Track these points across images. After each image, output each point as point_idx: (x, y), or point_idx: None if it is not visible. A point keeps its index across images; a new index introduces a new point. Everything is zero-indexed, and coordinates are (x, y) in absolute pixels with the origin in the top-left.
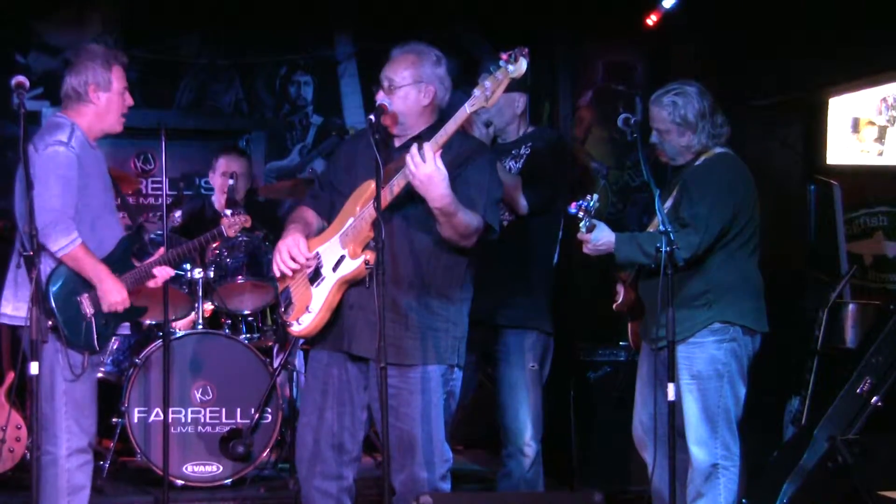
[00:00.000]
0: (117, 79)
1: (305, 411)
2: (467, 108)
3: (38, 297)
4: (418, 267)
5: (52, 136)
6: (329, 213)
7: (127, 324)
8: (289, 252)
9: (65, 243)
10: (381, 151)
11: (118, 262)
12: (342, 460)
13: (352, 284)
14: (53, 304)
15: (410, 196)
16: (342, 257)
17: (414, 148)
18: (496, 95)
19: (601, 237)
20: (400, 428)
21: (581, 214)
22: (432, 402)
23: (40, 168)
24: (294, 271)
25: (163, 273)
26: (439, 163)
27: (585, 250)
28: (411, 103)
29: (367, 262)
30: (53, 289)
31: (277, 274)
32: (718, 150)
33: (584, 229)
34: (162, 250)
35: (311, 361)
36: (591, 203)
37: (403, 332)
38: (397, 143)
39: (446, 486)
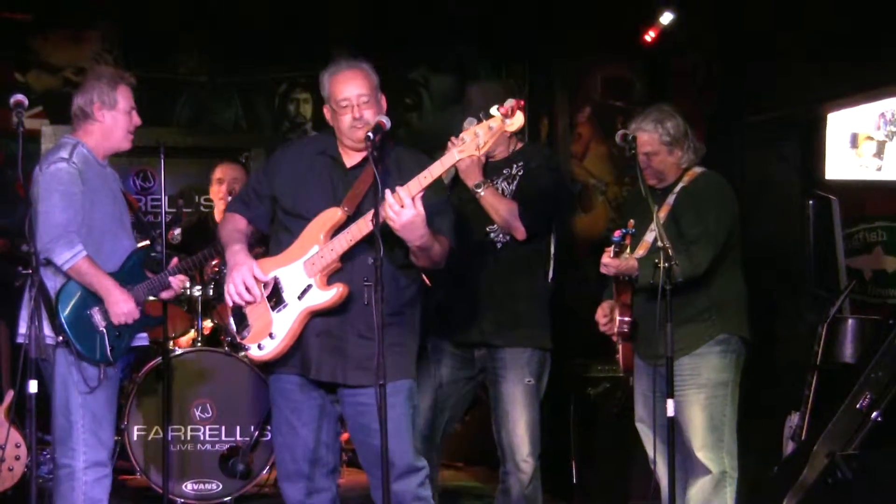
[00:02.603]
0: (123, 98)
1: (280, 431)
2: (456, 155)
3: (39, 315)
4: (382, 290)
5: (54, 154)
6: (267, 226)
7: (144, 335)
8: (244, 283)
9: (69, 256)
10: (334, 172)
11: (129, 274)
12: (324, 473)
13: (317, 314)
14: (63, 320)
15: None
16: (309, 286)
17: (391, 194)
18: (487, 147)
19: (628, 263)
20: (373, 445)
21: (626, 242)
22: (402, 416)
23: (43, 185)
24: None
25: (178, 282)
26: (419, 204)
27: (605, 272)
28: (381, 114)
29: (365, 280)
30: (63, 304)
31: (230, 304)
32: (699, 169)
33: (625, 255)
34: (174, 262)
35: (276, 383)
36: (632, 231)
37: (371, 354)
38: (351, 160)
39: (427, 492)
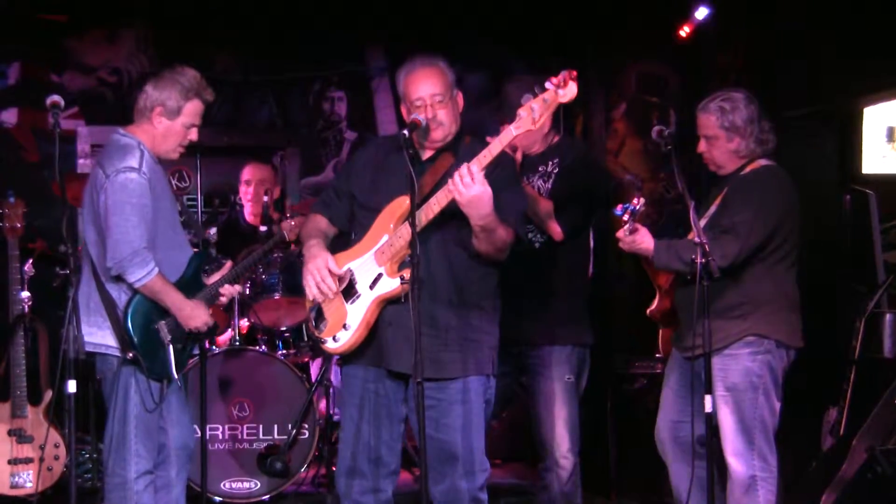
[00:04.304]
0: (189, 113)
1: (344, 426)
2: (513, 130)
3: (77, 315)
4: (455, 281)
5: (122, 160)
6: (346, 223)
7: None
8: (320, 274)
9: (142, 275)
10: (413, 165)
11: (190, 282)
12: (380, 473)
13: (389, 302)
14: (133, 336)
15: (445, 212)
16: (379, 275)
17: (463, 168)
18: (543, 119)
19: (641, 241)
20: (440, 439)
21: (626, 217)
22: (472, 413)
23: (113, 197)
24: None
25: (230, 292)
26: (485, 182)
27: (622, 247)
28: (456, 113)
29: (402, 278)
30: (133, 319)
31: (310, 298)
32: (764, 161)
33: (627, 232)
34: (228, 266)
35: (347, 377)
36: (638, 207)
37: (443, 347)
38: (425, 154)
39: (485, 496)
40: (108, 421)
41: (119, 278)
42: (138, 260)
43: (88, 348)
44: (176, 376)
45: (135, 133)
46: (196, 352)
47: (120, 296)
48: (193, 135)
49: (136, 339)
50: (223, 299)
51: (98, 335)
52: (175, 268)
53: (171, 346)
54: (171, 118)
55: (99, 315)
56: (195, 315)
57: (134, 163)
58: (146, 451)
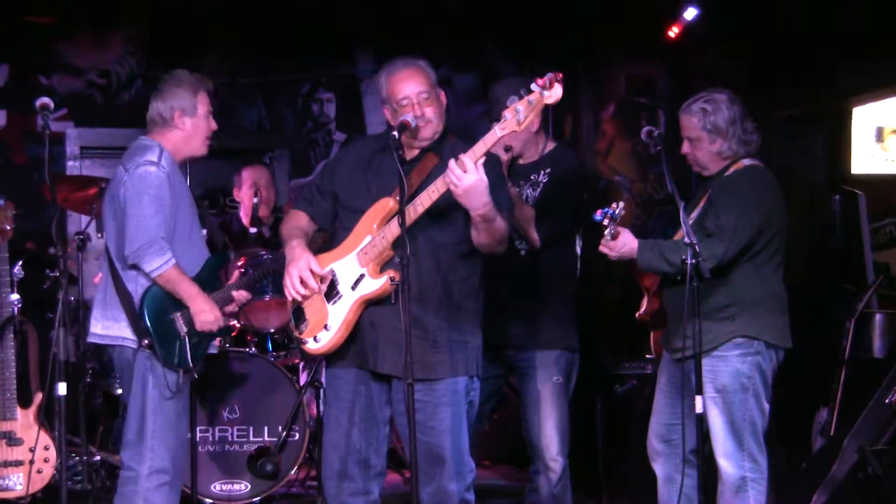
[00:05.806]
0: (202, 104)
1: (329, 429)
2: (498, 132)
3: (65, 318)
4: (441, 282)
5: (141, 156)
6: (328, 222)
7: (215, 343)
8: (300, 276)
9: (159, 264)
10: (395, 165)
11: (206, 281)
12: (368, 475)
13: (372, 303)
14: (148, 323)
15: (430, 211)
16: (361, 276)
17: (453, 161)
18: (528, 120)
19: (625, 243)
20: (427, 441)
21: (606, 222)
22: (459, 414)
23: (132, 189)
24: (305, 296)
25: (240, 297)
26: (481, 171)
27: (607, 254)
28: (442, 110)
29: (392, 279)
30: (147, 308)
31: (289, 299)
32: (748, 161)
33: (608, 237)
34: (237, 273)
35: (332, 379)
36: (617, 211)
37: (430, 348)
38: (411, 154)
39: (472, 496)
40: (127, 417)
41: (136, 269)
42: (155, 248)
43: (105, 341)
44: (193, 367)
45: (156, 139)
46: (212, 351)
47: (136, 288)
48: (213, 124)
49: (151, 328)
50: (233, 305)
51: (115, 328)
52: (190, 267)
53: (187, 339)
54: (192, 115)
55: (116, 308)
56: (206, 310)
57: (153, 157)
58: (164, 448)
